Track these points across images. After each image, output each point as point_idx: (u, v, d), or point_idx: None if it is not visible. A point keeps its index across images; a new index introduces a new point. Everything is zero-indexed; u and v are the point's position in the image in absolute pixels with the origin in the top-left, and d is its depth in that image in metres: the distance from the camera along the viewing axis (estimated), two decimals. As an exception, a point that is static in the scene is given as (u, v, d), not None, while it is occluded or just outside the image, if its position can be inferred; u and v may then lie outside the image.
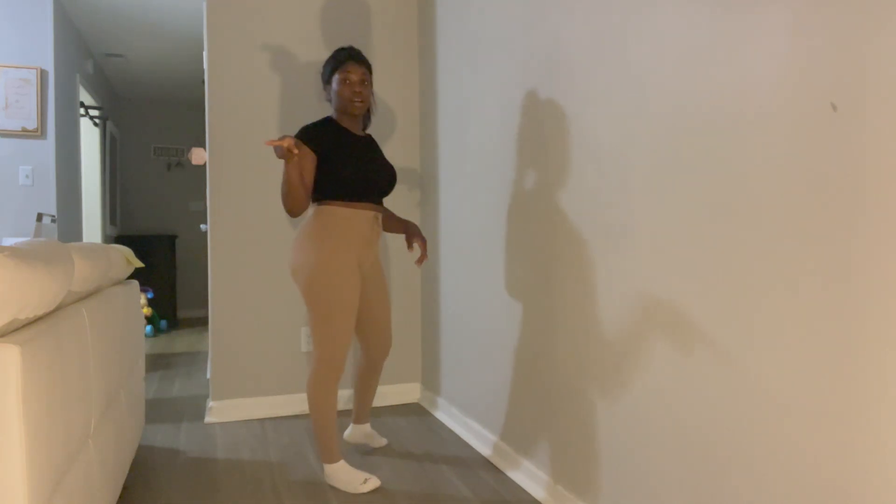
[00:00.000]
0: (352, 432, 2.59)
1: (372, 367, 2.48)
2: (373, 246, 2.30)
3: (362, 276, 2.33)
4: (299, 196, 2.10)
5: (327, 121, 2.27)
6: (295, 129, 3.12)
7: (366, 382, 2.52)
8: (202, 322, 6.56)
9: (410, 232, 2.43)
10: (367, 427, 2.59)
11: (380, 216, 2.31)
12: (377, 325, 2.41)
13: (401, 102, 3.32)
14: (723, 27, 1.37)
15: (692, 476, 1.48)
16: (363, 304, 2.37)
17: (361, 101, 2.25)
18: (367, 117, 2.41)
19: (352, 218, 2.19)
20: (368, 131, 3.22)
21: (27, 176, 3.89)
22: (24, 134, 3.88)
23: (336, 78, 2.23)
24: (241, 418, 3.04)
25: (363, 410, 2.57)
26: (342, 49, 2.27)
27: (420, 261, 2.33)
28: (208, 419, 3.01)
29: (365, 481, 2.19)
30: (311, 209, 2.32)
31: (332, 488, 2.21)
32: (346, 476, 2.20)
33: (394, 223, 2.48)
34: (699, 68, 1.44)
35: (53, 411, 1.19)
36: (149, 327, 5.58)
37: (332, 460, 2.22)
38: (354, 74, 2.22)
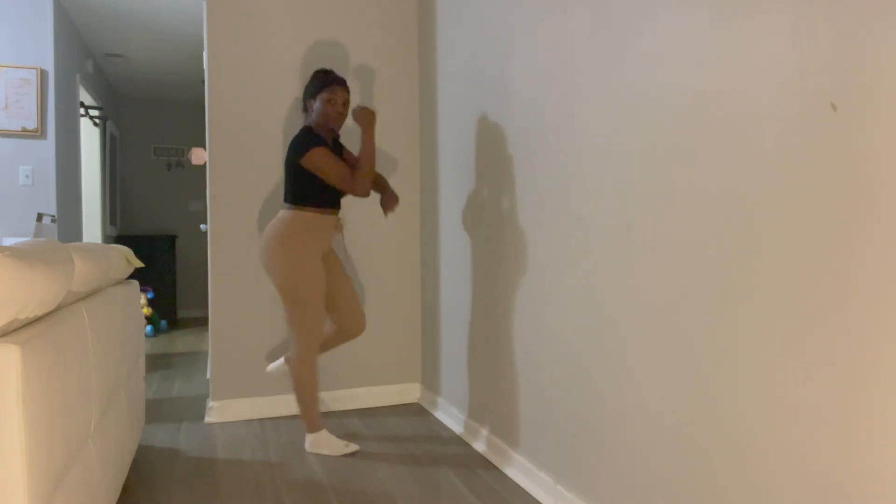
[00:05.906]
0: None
1: (343, 337, 2.69)
2: (332, 241, 2.64)
3: (325, 266, 2.63)
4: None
5: (312, 131, 2.50)
6: (294, 129, 3.12)
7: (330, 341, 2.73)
8: (202, 322, 6.56)
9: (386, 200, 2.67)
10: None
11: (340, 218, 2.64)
12: (345, 299, 2.65)
13: (401, 101, 3.32)
14: (723, 28, 1.37)
15: (693, 474, 1.48)
16: (329, 285, 2.63)
17: (342, 120, 2.56)
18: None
19: (322, 222, 2.49)
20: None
21: (27, 176, 3.89)
22: (24, 134, 3.88)
23: (322, 97, 2.49)
24: (241, 418, 3.04)
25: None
26: (326, 71, 2.53)
27: (387, 209, 2.62)
28: (208, 419, 3.01)
29: (347, 445, 2.52)
30: (284, 212, 2.49)
31: (333, 489, 2.21)
32: (329, 441, 2.52)
33: (387, 196, 2.69)
34: (699, 69, 1.44)
35: (53, 411, 1.19)
36: (149, 327, 5.58)
37: (317, 429, 2.53)
38: (339, 97, 2.51)
